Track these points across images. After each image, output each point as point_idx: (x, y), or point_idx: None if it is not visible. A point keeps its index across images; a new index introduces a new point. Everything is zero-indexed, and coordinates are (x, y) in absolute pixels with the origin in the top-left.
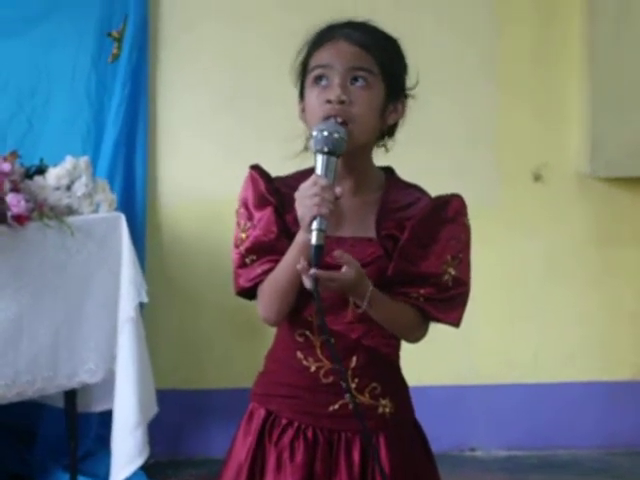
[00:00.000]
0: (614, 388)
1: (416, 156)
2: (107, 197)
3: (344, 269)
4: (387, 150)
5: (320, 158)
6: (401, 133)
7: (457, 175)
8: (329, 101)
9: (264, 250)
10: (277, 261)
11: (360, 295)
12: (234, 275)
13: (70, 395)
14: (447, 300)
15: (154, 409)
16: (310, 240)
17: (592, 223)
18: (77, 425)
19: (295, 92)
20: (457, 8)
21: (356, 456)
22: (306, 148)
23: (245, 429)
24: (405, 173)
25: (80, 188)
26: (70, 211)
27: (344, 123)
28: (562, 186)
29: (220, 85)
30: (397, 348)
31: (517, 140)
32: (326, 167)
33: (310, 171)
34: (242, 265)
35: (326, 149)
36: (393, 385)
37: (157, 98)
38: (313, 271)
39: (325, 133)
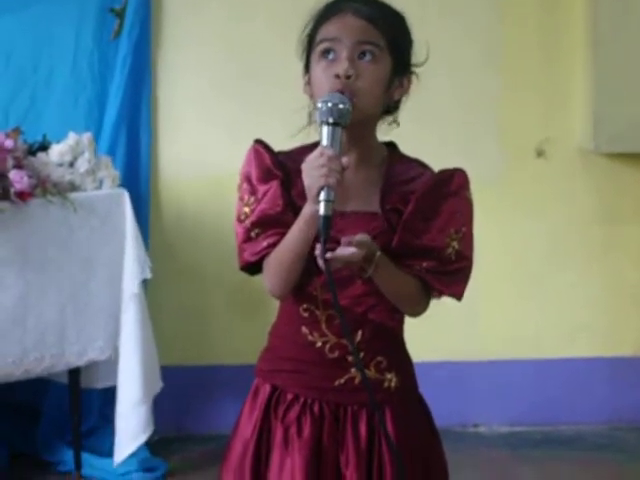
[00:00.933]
0: (617, 364)
1: (419, 133)
2: (110, 173)
3: (354, 249)
4: (398, 125)
5: (326, 129)
6: (405, 111)
7: (460, 152)
8: (337, 75)
9: (270, 223)
10: (283, 234)
11: (368, 261)
12: (238, 250)
13: (74, 372)
14: (450, 273)
15: (158, 385)
16: (318, 211)
17: (595, 199)
18: (80, 402)
19: (297, 69)
20: None
21: (363, 429)
22: (310, 122)
23: (251, 405)
24: (408, 150)
25: (83, 164)
26: (73, 187)
27: (351, 97)
28: (565, 162)
29: (222, 62)
30: (401, 322)
31: (520, 116)
32: (332, 138)
33: (314, 145)
34: (247, 239)
35: (331, 120)
36: (398, 359)
37: (159, 74)
38: (328, 255)
39: (330, 104)
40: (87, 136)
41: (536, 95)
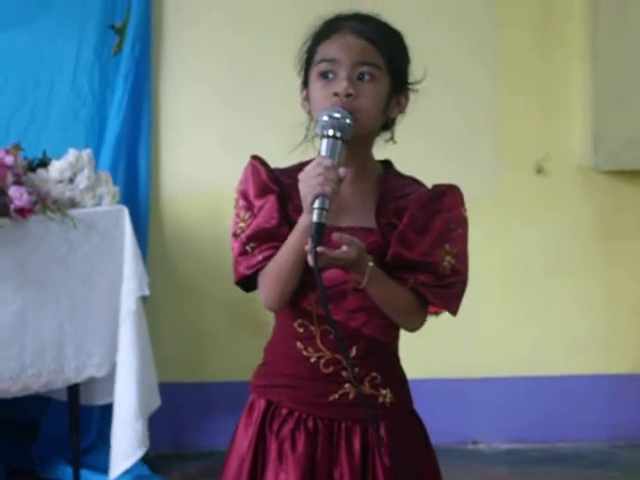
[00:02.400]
0: (617, 381)
1: (418, 147)
2: (110, 190)
3: (345, 248)
4: (394, 142)
5: (325, 141)
6: (403, 124)
7: (459, 166)
8: (336, 94)
9: (265, 237)
10: (278, 248)
11: (361, 272)
12: (234, 263)
13: (73, 388)
14: (444, 287)
15: (156, 402)
16: (312, 219)
17: (594, 216)
18: (80, 418)
19: (299, 81)
20: None
21: (357, 445)
22: (307, 138)
23: (246, 421)
24: (407, 164)
25: (83, 181)
26: (73, 204)
27: (350, 114)
28: (564, 178)
29: (223, 78)
30: (396, 338)
31: (519, 132)
32: (331, 150)
33: (301, 164)
34: (243, 253)
35: (332, 132)
36: (393, 375)
37: (160, 90)
38: (320, 248)
39: (331, 117)
40: (87, 152)
41: (535, 112)
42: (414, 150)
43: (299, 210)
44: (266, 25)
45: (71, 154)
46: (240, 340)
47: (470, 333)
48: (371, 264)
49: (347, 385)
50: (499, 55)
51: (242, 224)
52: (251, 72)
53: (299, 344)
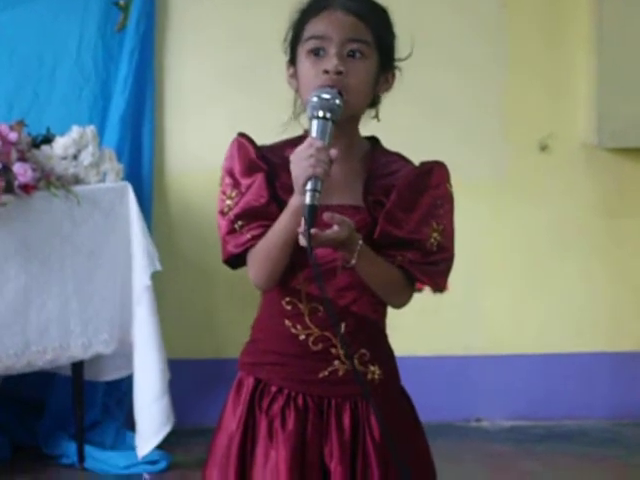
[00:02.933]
0: (621, 359)
1: (424, 128)
2: (114, 166)
3: (336, 228)
4: (379, 120)
5: (316, 122)
6: (410, 106)
7: (465, 146)
8: (326, 71)
9: (254, 215)
10: (267, 227)
11: (351, 250)
12: (222, 242)
13: (77, 365)
14: (431, 264)
15: (167, 378)
16: (304, 201)
17: (598, 194)
18: (84, 395)
19: None
20: None
21: (346, 421)
22: (295, 116)
23: (234, 399)
24: (414, 145)
25: (87, 157)
26: (77, 180)
27: (340, 93)
28: (569, 157)
29: (228, 56)
30: (384, 315)
31: (524, 111)
32: (322, 131)
33: (299, 139)
34: (231, 231)
35: (322, 113)
36: (381, 352)
37: (165, 68)
38: (313, 230)
39: (322, 98)
40: (91, 129)
41: (540, 90)
42: (422, 132)
43: (287, 189)
44: (271, 4)
45: (75, 131)
46: (246, 316)
47: (474, 311)
48: (360, 242)
49: (336, 362)
50: (506, 37)
51: (229, 202)
52: (256, 48)
53: (287, 322)
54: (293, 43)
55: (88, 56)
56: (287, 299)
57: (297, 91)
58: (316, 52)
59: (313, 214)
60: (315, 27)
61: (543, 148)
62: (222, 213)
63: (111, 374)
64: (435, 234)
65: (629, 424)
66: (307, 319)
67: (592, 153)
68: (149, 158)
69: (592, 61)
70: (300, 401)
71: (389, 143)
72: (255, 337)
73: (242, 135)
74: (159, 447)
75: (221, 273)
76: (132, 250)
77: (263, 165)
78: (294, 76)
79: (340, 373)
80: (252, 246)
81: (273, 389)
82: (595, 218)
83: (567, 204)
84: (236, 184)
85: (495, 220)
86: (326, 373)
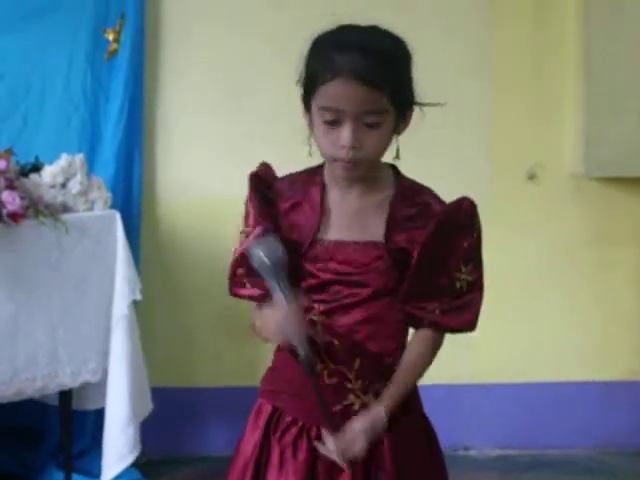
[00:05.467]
0: (608, 388)
1: (410, 155)
2: (102, 195)
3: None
4: (399, 158)
5: (272, 283)
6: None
7: (452, 174)
8: (343, 146)
9: (251, 268)
10: (265, 288)
11: (383, 425)
12: (228, 278)
13: (65, 393)
14: (460, 308)
15: (148, 407)
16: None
17: (586, 223)
18: (72, 423)
19: (291, 91)
20: (451, 6)
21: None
22: (310, 150)
23: (253, 424)
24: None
25: (75, 186)
26: (65, 209)
27: (354, 164)
28: (556, 186)
29: (218, 85)
30: (401, 348)
31: (511, 140)
32: (279, 287)
33: (313, 171)
34: (233, 274)
35: (271, 269)
36: None
37: (155, 97)
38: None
39: (261, 261)
40: (79, 157)
41: (528, 119)
42: (407, 160)
43: (290, 212)
44: (261, 32)
45: (64, 159)
46: (232, 345)
47: (461, 339)
48: (383, 415)
49: (351, 396)
50: (492, 65)
51: (242, 235)
52: (246, 79)
53: None
54: (307, 92)
55: (77, 84)
56: None
57: (309, 125)
58: (331, 123)
59: (315, 372)
60: (328, 98)
61: (531, 177)
62: (235, 250)
63: (97, 403)
64: (464, 275)
65: (615, 453)
66: (323, 352)
67: (580, 182)
68: (138, 185)
69: (579, 90)
70: (314, 433)
71: None
72: (275, 365)
73: (259, 169)
74: (146, 475)
75: (209, 301)
76: (115, 278)
77: (269, 211)
78: (308, 120)
79: (355, 407)
80: (251, 299)
81: (288, 419)
82: (583, 247)
83: (555, 233)
84: (247, 223)
85: (483, 249)
86: (340, 407)
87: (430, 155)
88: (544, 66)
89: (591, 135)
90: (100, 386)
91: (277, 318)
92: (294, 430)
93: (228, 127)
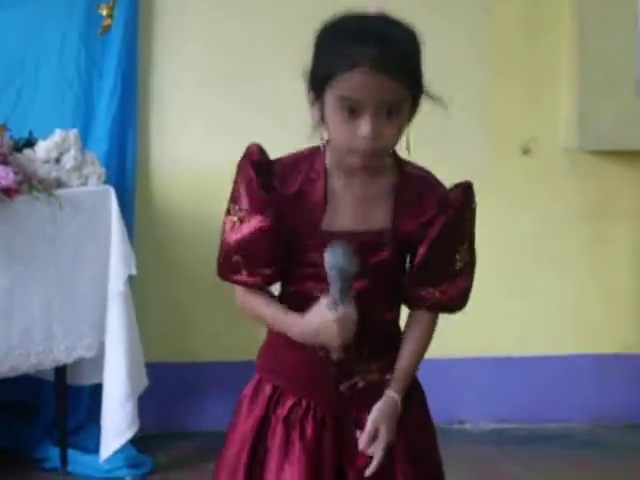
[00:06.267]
0: (603, 361)
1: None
2: (96, 170)
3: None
4: (409, 152)
5: (338, 279)
6: None
7: (446, 150)
8: (364, 137)
9: (249, 257)
10: (261, 275)
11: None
12: (217, 260)
13: (60, 369)
14: (459, 287)
15: (144, 383)
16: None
17: (581, 197)
18: (68, 399)
19: (288, 69)
20: None
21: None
22: (322, 140)
23: (252, 398)
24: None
25: (69, 161)
26: (59, 184)
27: (372, 154)
28: (551, 160)
29: (212, 61)
30: (399, 315)
31: (506, 114)
32: (341, 291)
33: (313, 151)
34: (226, 259)
35: (343, 281)
36: (395, 355)
37: (148, 73)
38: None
39: (339, 269)
40: (73, 133)
41: (522, 93)
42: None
43: (285, 188)
44: (256, 9)
45: (57, 134)
46: (227, 320)
47: (457, 314)
48: (398, 402)
49: (356, 376)
50: (487, 39)
51: (235, 218)
52: (240, 54)
53: None
54: (320, 82)
55: (71, 60)
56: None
57: (320, 122)
58: (350, 110)
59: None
60: (347, 87)
61: (525, 151)
62: (226, 229)
63: (92, 378)
64: (461, 255)
65: (610, 426)
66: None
67: (574, 156)
68: (132, 160)
69: (573, 63)
70: (318, 412)
71: None
72: (273, 342)
73: (252, 152)
74: (142, 450)
75: (203, 275)
76: (110, 254)
77: (269, 211)
78: (318, 109)
79: (360, 385)
80: (244, 285)
81: (292, 398)
82: (578, 221)
83: (550, 207)
84: (246, 207)
85: (477, 224)
86: (346, 386)
87: (424, 131)
88: (538, 40)
89: (585, 109)
90: (95, 361)
91: (344, 325)
92: (299, 410)
93: (222, 103)
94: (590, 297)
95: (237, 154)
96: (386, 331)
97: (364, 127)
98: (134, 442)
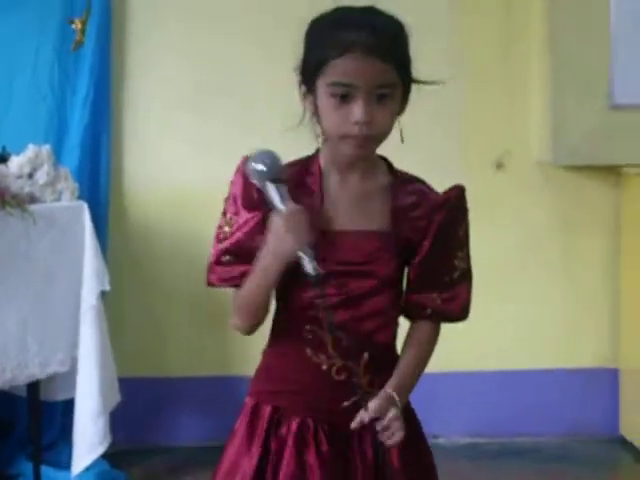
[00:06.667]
0: (576, 375)
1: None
2: (69, 185)
3: (388, 421)
4: (402, 142)
5: (271, 187)
6: None
7: (421, 164)
8: (356, 122)
9: (242, 255)
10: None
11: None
12: (208, 268)
13: (33, 385)
14: (457, 295)
15: (116, 398)
16: (306, 271)
17: (554, 211)
18: (41, 414)
19: (262, 83)
20: None
21: (369, 452)
22: (317, 139)
23: (248, 430)
24: None
25: (42, 176)
26: (32, 199)
27: (365, 140)
28: (524, 174)
29: (186, 77)
30: (396, 336)
31: (479, 129)
32: (281, 195)
33: (306, 160)
34: (218, 262)
35: (272, 179)
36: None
37: (122, 88)
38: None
39: (260, 168)
40: (46, 148)
41: (495, 108)
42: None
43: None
44: (230, 23)
45: (30, 150)
46: (202, 335)
47: None
48: (397, 398)
49: (359, 392)
50: (460, 54)
51: (227, 228)
52: (214, 69)
53: (309, 350)
54: (311, 71)
55: (44, 75)
56: (307, 327)
57: (312, 113)
58: (342, 96)
59: (322, 282)
60: (339, 72)
61: (499, 166)
62: (218, 239)
63: (65, 393)
64: (458, 263)
65: (582, 441)
66: (330, 348)
67: (547, 170)
68: (105, 176)
69: (546, 78)
70: (324, 430)
71: None
72: (271, 364)
73: (243, 162)
74: (116, 466)
75: (177, 290)
76: (83, 269)
77: (262, 206)
78: (311, 102)
79: (362, 403)
80: (236, 285)
81: (295, 418)
82: (551, 235)
83: (523, 221)
84: (237, 211)
85: None
86: (349, 403)
87: (398, 146)
88: (510, 55)
89: (558, 123)
90: (68, 376)
91: (287, 223)
92: (304, 429)
93: (196, 119)
94: (562, 310)
95: (212, 170)
96: (390, 348)
97: (356, 112)
98: (107, 457)
